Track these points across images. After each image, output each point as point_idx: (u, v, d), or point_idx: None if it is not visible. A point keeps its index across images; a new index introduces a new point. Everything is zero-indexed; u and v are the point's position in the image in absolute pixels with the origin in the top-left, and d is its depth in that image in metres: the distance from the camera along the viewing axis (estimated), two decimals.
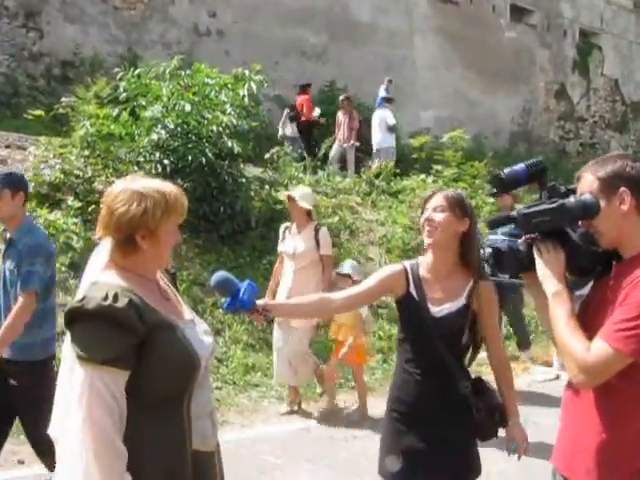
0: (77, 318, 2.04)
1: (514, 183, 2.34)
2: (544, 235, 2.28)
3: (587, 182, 2.22)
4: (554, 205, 2.21)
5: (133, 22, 13.69)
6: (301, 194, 6.31)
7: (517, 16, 20.21)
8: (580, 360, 2.10)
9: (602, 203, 2.17)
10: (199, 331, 2.31)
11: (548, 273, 2.25)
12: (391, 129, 13.25)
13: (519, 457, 3.07)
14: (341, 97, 13.66)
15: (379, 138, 13.28)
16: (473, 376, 3.14)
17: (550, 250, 2.26)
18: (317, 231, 6.26)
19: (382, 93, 14.12)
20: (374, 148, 13.35)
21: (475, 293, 2.99)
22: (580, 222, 2.27)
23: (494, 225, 2.69)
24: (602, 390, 2.18)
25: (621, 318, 2.06)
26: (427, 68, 17.59)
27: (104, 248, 2.19)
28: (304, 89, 13.91)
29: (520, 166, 2.33)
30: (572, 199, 2.20)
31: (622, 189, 2.15)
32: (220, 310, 7.84)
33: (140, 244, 2.16)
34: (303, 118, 13.58)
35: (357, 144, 13.35)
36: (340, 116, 13.40)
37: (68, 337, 2.11)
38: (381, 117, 13.29)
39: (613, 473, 2.18)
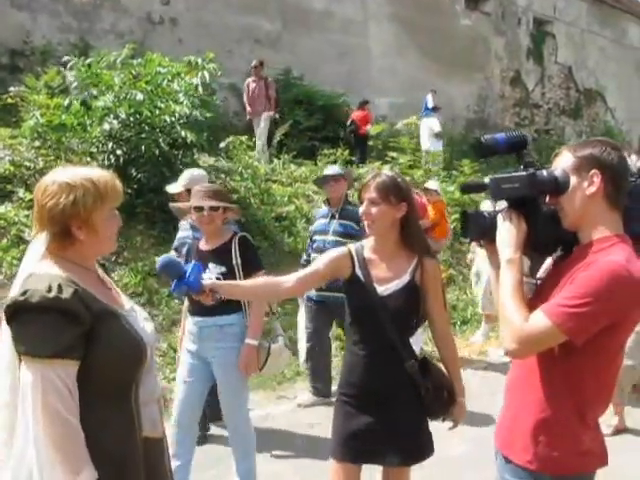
0: (20, 313, 1.99)
1: (491, 149, 2.33)
2: (512, 204, 2.30)
3: (563, 158, 2.24)
4: (525, 174, 2.22)
5: (85, 10, 13.42)
6: None
7: (472, 4, 20.35)
8: (516, 328, 2.11)
9: (572, 181, 2.18)
10: (140, 319, 2.31)
11: (506, 241, 2.26)
12: (437, 135, 14.30)
13: (451, 428, 3.16)
14: (253, 62, 13.02)
15: (427, 144, 14.22)
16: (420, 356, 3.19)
17: (513, 219, 2.27)
18: None
19: (429, 103, 15.06)
20: (423, 152, 14.13)
21: (419, 269, 3.04)
22: (548, 198, 2.29)
23: (467, 190, 2.72)
24: (542, 369, 2.23)
25: (565, 296, 2.08)
26: (382, 55, 17.58)
27: (39, 241, 2.15)
28: (362, 105, 14.56)
29: (501, 135, 2.32)
30: (544, 172, 2.21)
31: (594, 171, 2.14)
32: (176, 301, 7.81)
33: (77, 235, 2.13)
34: (360, 132, 14.07)
35: (276, 116, 12.97)
36: (251, 84, 12.83)
37: (6, 334, 2.06)
38: (428, 125, 14.30)
39: (549, 454, 2.21)
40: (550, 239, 2.31)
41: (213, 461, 4.98)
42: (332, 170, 6.73)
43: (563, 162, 2.23)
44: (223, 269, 4.23)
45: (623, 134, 24.02)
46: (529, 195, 2.25)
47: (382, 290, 3.01)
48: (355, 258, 3.09)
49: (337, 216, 6.26)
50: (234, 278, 4.10)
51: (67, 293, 2.00)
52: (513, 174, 2.26)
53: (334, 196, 6.39)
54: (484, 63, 20.89)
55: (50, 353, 1.96)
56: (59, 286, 2.00)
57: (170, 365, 6.69)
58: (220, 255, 4.28)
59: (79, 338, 2.02)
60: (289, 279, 3.05)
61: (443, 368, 3.17)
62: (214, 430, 5.51)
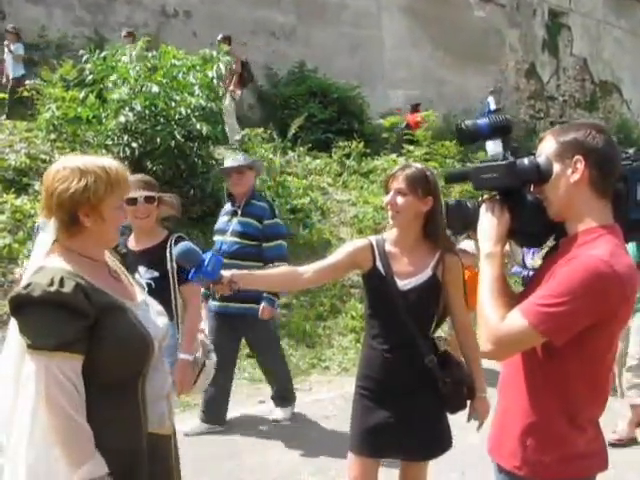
0: (23, 306, 1.99)
1: (475, 135, 2.23)
2: (498, 194, 2.19)
3: (547, 144, 2.08)
4: (504, 162, 2.10)
5: (98, 3, 13.46)
6: None
7: None
8: (492, 328, 1.99)
9: (556, 168, 2.03)
10: (152, 312, 2.28)
11: (487, 234, 2.14)
12: None
13: (478, 428, 3.10)
14: (219, 36, 12.06)
15: (490, 146, 14.45)
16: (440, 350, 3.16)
17: (495, 211, 2.15)
18: None
19: (491, 105, 15.52)
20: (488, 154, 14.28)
21: (441, 265, 3.01)
22: (532, 187, 2.15)
23: (451, 179, 2.67)
24: (526, 368, 2.12)
25: (543, 294, 1.94)
26: (395, 47, 17.52)
27: (48, 231, 2.13)
28: (414, 109, 15.28)
29: (483, 120, 2.20)
30: (525, 160, 2.07)
31: (577, 157, 1.99)
32: None
33: (84, 222, 2.10)
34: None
35: (238, 92, 12.39)
36: None
37: (12, 327, 2.06)
38: None
39: (539, 458, 2.08)
40: (538, 230, 2.18)
41: (231, 454, 5.00)
42: (235, 161, 5.54)
43: (546, 148, 2.08)
44: (155, 274, 3.78)
45: (639, 126, 23.83)
46: (511, 185, 2.12)
47: (402, 284, 2.98)
48: (376, 250, 3.04)
49: (239, 213, 5.35)
50: (167, 284, 3.79)
51: (68, 287, 1.98)
52: (493, 163, 2.15)
53: (237, 191, 5.39)
54: (498, 55, 20.76)
55: (52, 346, 1.94)
56: (61, 279, 1.99)
57: None
58: (152, 258, 3.76)
59: (82, 332, 2.00)
60: (307, 270, 3.00)
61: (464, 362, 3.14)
62: (233, 422, 5.53)
